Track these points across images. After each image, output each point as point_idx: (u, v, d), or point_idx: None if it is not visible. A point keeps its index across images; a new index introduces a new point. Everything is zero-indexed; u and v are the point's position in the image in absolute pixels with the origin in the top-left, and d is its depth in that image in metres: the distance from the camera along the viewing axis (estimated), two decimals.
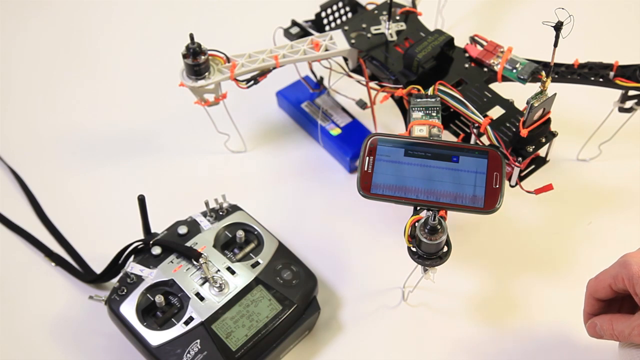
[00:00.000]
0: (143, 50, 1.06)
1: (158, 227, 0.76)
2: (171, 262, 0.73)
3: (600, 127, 0.86)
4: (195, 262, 0.73)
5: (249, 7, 1.11)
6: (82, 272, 0.81)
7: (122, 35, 1.08)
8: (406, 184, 0.68)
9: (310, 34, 0.86)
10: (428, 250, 0.64)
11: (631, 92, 0.80)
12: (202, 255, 0.73)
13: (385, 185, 0.68)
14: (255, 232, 0.77)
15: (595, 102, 0.86)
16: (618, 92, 0.81)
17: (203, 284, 0.72)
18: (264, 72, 0.81)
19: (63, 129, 0.96)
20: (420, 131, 0.72)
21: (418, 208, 0.67)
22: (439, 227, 0.63)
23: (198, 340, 0.69)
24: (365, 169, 0.69)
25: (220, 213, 0.78)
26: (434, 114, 0.73)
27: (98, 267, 0.80)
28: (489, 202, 0.66)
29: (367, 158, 0.69)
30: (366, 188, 0.68)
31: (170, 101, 0.97)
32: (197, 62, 0.77)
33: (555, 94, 0.69)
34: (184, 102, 0.87)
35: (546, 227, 0.85)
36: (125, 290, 0.71)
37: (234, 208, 0.79)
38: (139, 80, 1.02)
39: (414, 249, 0.66)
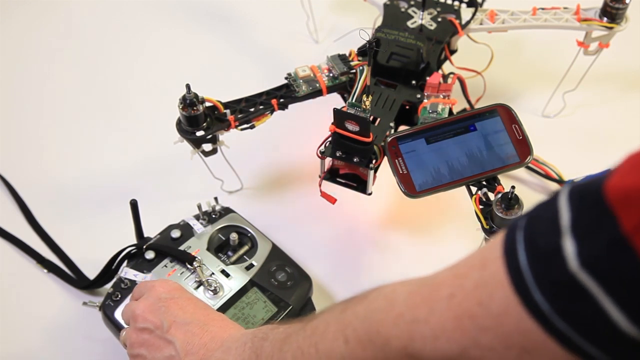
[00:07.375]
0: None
1: (151, 231, 0.76)
2: (165, 266, 0.73)
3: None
4: (189, 266, 0.72)
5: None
6: (75, 278, 0.80)
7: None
8: (444, 168, 0.68)
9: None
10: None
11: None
12: (196, 259, 0.72)
13: (427, 179, 0.68)
14: (249, 234, 0.77)
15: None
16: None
17: (197, 287, 0.71)
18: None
19: (53, 133, 0.96)
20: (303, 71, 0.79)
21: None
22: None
23: None
24: (401, 171, 0.69)
25: (213, 216, 0.78)
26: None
27: (91, 273, 0.79)
28: (522, 154, 0.69)
29: (397, 161, 0.69)
30: (411, 189, 0.68)
31: None
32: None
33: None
34: None
35: None
36: (119, 296, 0.71)
37: (227, 210, 0.79)
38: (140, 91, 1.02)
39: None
